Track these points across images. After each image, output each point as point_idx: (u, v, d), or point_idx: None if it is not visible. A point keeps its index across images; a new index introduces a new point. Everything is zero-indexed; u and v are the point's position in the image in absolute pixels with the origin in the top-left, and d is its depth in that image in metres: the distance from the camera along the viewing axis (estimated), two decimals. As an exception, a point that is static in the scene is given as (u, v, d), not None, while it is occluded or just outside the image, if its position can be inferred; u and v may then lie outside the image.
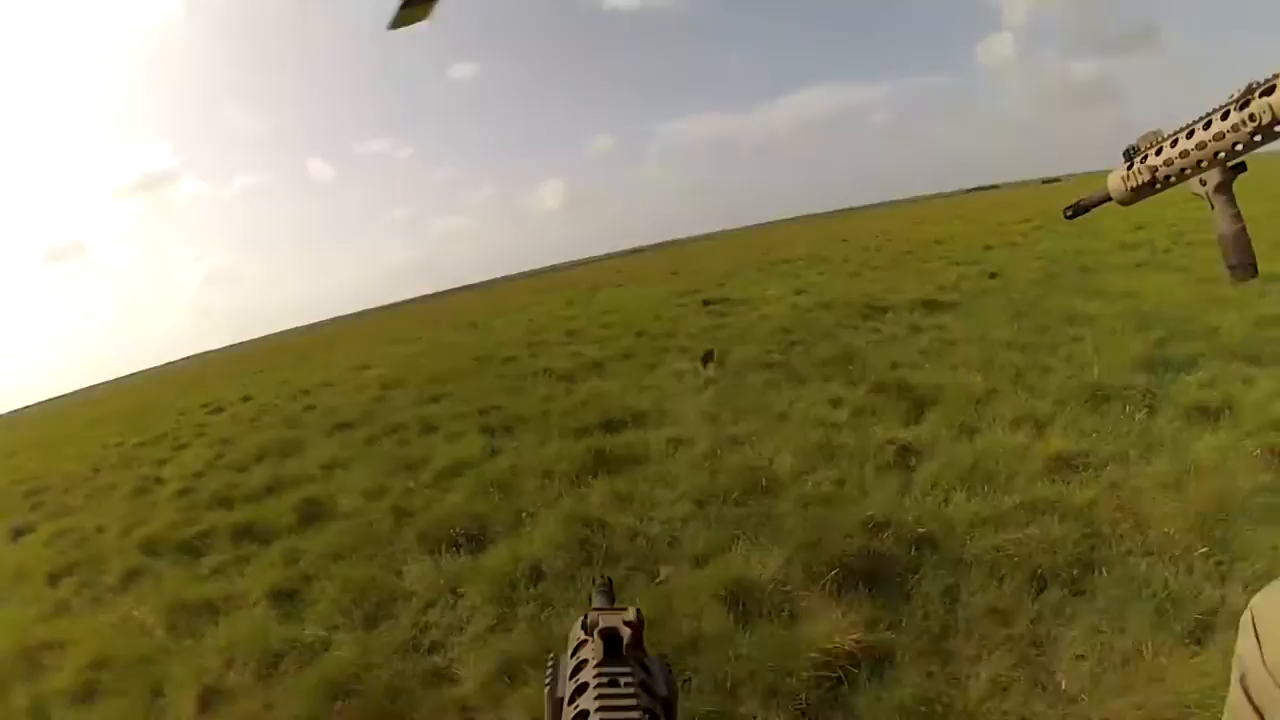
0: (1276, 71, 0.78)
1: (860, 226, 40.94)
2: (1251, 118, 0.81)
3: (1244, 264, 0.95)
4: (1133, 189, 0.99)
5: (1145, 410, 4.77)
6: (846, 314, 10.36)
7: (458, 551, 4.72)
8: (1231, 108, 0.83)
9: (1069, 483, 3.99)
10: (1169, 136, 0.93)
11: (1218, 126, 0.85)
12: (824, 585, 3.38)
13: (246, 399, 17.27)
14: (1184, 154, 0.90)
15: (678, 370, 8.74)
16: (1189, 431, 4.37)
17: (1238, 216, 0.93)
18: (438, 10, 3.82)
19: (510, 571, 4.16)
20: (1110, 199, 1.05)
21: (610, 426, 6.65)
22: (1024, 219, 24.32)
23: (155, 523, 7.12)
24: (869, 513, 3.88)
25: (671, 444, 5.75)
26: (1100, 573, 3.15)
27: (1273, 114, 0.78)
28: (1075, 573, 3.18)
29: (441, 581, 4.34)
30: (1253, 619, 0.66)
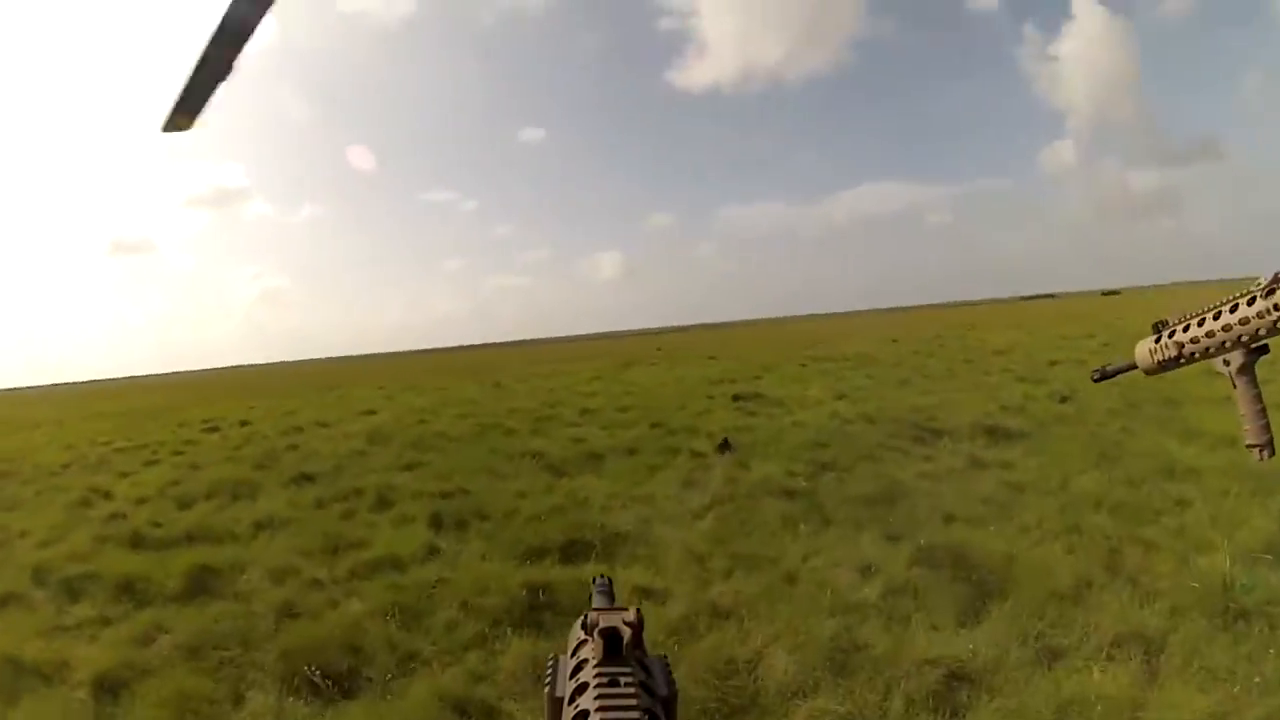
0: None
1: (913, 327, 39.34)
2: (1277, 306, 0.85)
3: (1262, 444, 0.95)
4: (1159, 362, 1.02)
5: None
6: (893, 432, 8.86)
7: (313, 696, 3.81)
8: (1258, 295, 0.87)
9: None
10: (1196, 315, 0.96)
11: (1243, 312, 0.89)
12: None
13: (244, 424, 17.19)
14: (1210, 334, 0.94)
15: (683, 479, 7.37)
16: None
17: (1258, 398, 0.95)
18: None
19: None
20: (1136, 368, 1.08)
21: (571, 552, 5.38)
22: (1088, 333, 22.67)
23: (66, 545, 6.86)
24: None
25: (636, 595, 4.33)
26: None
27: None
28: None
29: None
30: None
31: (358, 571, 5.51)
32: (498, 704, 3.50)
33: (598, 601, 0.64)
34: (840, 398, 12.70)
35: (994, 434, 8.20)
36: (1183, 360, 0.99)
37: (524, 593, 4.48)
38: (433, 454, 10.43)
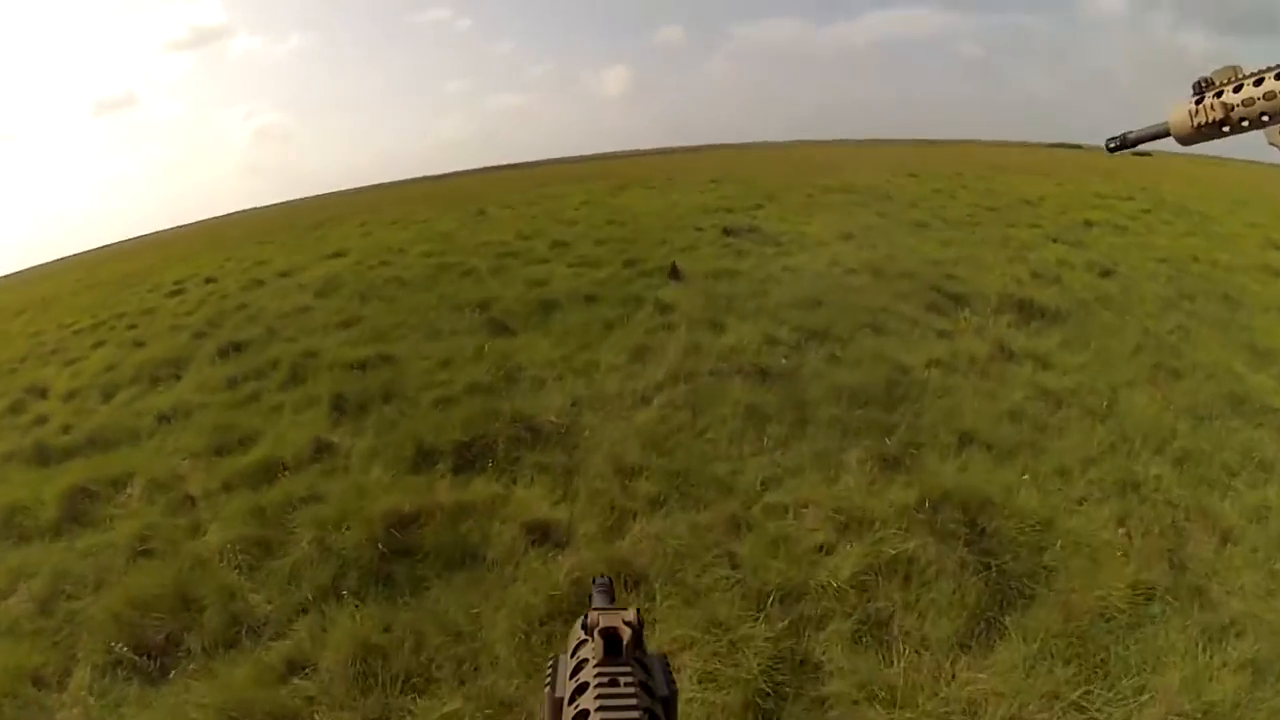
0: None
1: (933, 162, 36.26)
2: None
3: None
4: (1198, 126, 0.89)
5: None
6: (902, 292, 7.39)
7: (131, 673, 2.95)
8: None
9: None
10: (1254, 74, 0.85)
11: None
12: None
13: (210, 281, 15.35)
14: (1269, 95, 0.82)
15: (637, 342, 6.03)
16: None
17: None
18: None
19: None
20: (1168, 134, 0.95)
21: (467, 457, 4.15)
22: (1126, 195, 20.31)
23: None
24: None
25: (524, 535, 3.11)
26: None
27: None
28: None
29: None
30: None
31: (232, 482, 4.45)
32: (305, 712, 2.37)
33: (598, 601, 0.65)
34: (846, 238, 11.03)
35: (1025, 310, 6.73)
36: (1227, 128, 0.85)
37: (382, 527, 3.25)
38: (376, 306, 9.02)
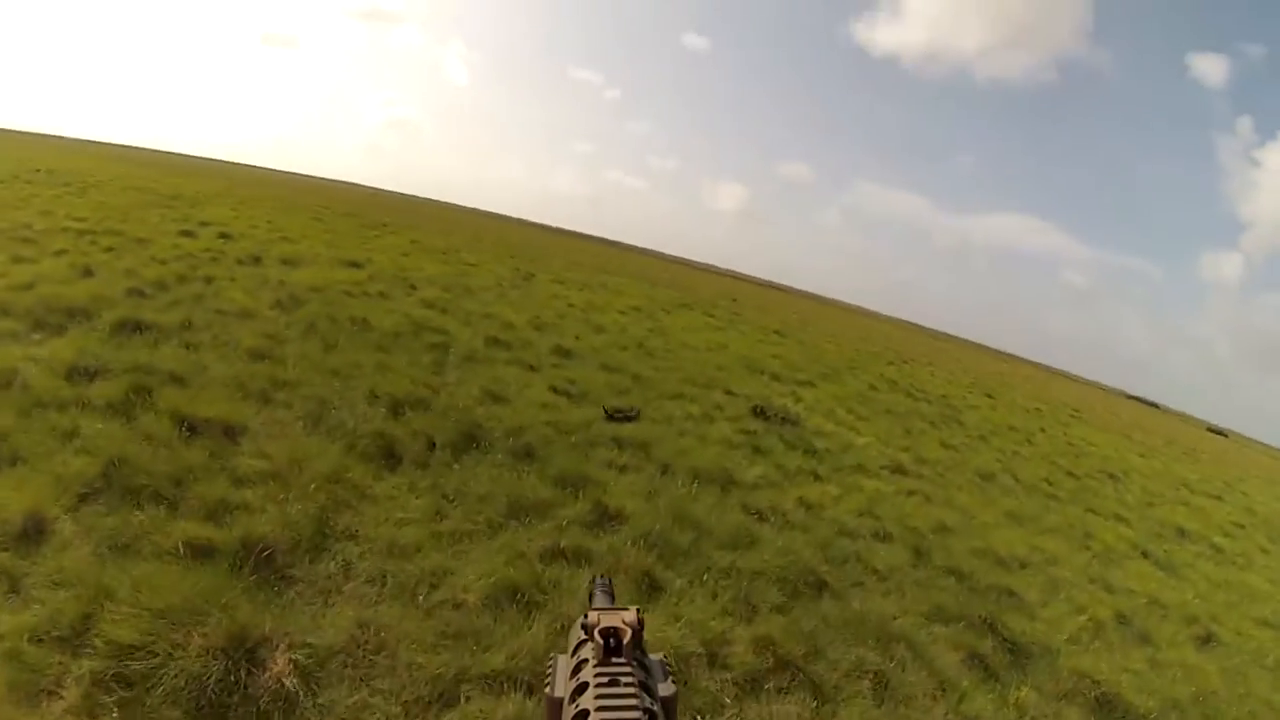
0: None
1: (1012, 384, 33.93)
2: None
3: None
4: None
5: None
6: (936, 614, 5.14)
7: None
8: None
9: None
10: None
11: None
12: None
13: (224, 237, 14.16)
14: None
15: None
16: None
17: None
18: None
19: None
20: None
21: None
22: (1214, 492, 17.50)
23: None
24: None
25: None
26: None
27: None
28: None
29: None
30: None
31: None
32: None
33: (598, 601, 0.65)
34: (895, 472, 8.87)
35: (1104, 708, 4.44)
36: None
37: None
38: (307, 346, 7.48)
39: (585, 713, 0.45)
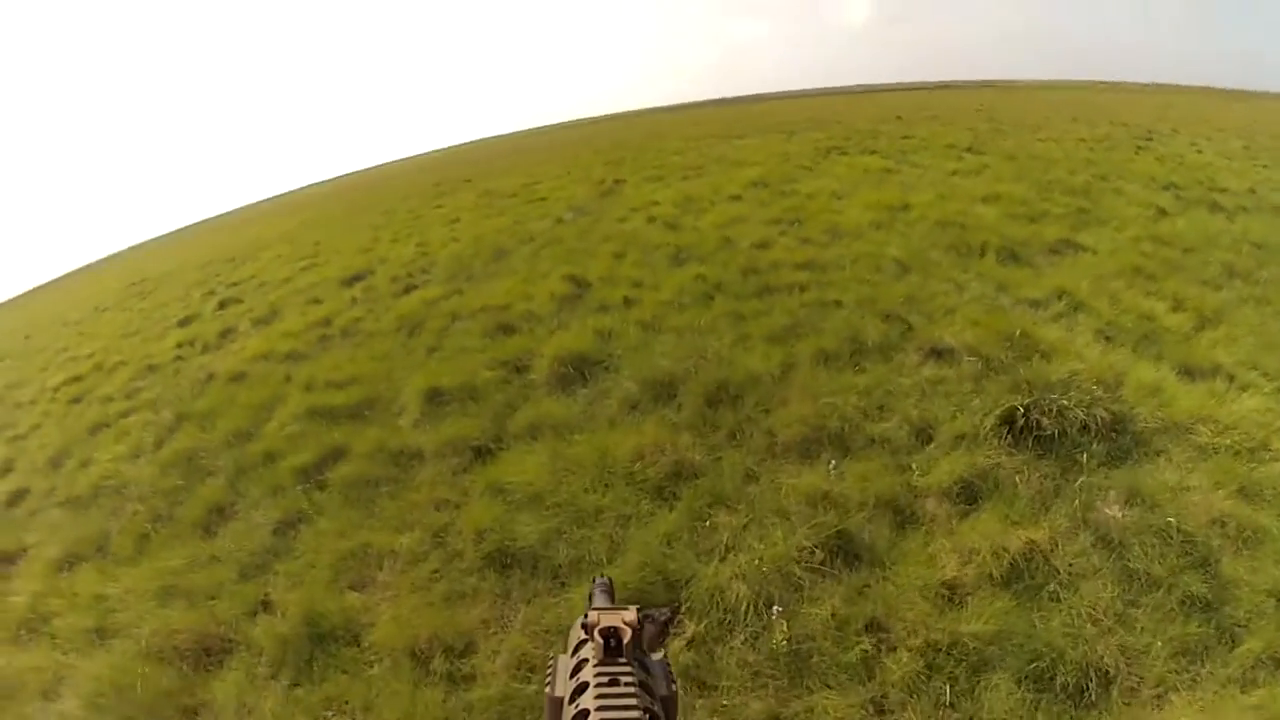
0: None
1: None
2: None
3: None
4: None
5: None
6: None
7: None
8: None
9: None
10: None
11: None
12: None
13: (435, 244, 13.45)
14: None
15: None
16: None
17: None
18: None
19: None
20: None
21: None
22: None
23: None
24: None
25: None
26: None
27: None
28: None
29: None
30: None
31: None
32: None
33: (598, 601, 0.65)
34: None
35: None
36: None
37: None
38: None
39: (585, 712, 0.45)
